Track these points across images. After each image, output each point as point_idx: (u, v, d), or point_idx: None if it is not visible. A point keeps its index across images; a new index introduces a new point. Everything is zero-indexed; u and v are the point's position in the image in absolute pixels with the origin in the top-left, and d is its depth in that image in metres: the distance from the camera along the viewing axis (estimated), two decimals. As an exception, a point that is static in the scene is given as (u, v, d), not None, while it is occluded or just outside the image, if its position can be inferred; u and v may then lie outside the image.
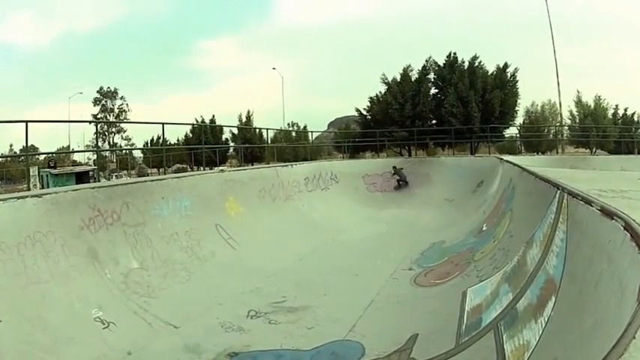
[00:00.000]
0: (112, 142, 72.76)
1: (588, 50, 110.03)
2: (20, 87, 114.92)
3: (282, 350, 7.43)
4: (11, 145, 75.97)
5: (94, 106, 76.73)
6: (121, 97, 78.02)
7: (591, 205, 4.50)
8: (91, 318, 7.89)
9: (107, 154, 56.83)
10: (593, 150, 37.00)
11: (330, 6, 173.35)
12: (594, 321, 3.46)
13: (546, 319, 4.46)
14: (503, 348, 5.11)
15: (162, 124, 16.97)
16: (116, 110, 77.76)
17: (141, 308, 8.79)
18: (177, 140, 57.40)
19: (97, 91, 76.95)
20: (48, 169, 30.48)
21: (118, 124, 72.42)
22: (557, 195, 5.96)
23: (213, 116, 54.46)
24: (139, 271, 10.01)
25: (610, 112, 41.42)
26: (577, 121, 41.15)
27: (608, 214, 4.03)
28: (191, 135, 53.84)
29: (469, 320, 6.95)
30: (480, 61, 33.21)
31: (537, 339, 4.43)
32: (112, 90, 77.78)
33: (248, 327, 8.45)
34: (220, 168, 23.54)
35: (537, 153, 37.76)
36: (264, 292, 10.46)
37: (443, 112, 31.83)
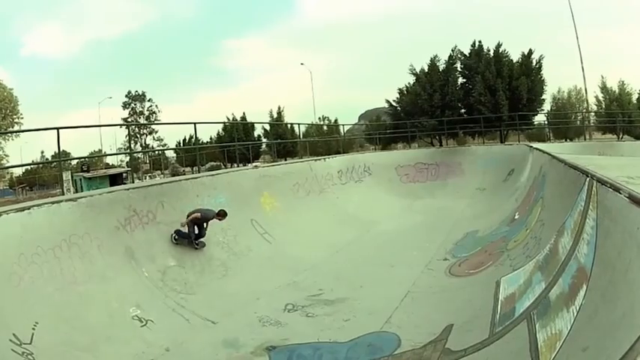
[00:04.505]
0: (144, 144, 73.67)
1: (611, 34, 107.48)
2: (51, 94, 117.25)
3: (319, 343, 7.58)
4: (42, 152, 77.72)
5: (124, 109, 77.92)
6: (149, 100, 79.06)
7: (620, 192, 4.50)
8: (129, 316, 8.16)
9: (140, 155, 57.60)
10: (620, 136, 36.33)
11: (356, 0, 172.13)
12: (624, 310, 3.48)
13: (578, 308, 4.48)
14: (536, 337, 5.14)
15: (194, 123, 17.18)
16: (146, 112, 78.73)
17: (179, 305, 9.03)
18: (210, 139, 57.78)
19: (126, 95, 78.14)
20: (81, 173, 30.96)
21: (149, 126, 73.31)
22: (587, 182, 5.95)
23: (244, 113, 54.78)
24: (176, 269, 10.27)
25: (634, 96, 40.52)
26: (603, 106, 40.42)
27: (636, 201, 4.03)
28: (223, 133, 54.06)
29: (503, 310, 6.98)
30: (505, 49, 32.83)
31: (569, 328, 4.45)
32: (140, 93, 78.88)
33: (286, 320, 8.63)
34: (254, 164, 23.77)
35: (565, 140, 37.09)
36: (300, 285, 10.65)
37: (471, 100, 31.46)
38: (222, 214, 11.67)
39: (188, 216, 11.25)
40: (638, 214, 3.89)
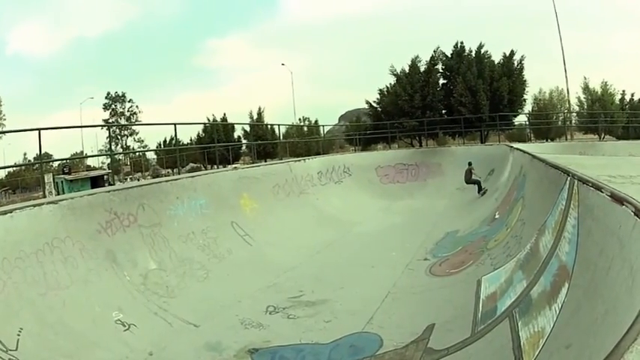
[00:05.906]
0: (125, 145, 73.15)
1: (593, 36, 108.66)
2: (32, 95, 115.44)
3: (301, 345, 7.53)
4: (25, 154, 76.68)
5: (105, 110, 77.21)
6: (129, 100, 78.48)
7: (601, 191, 4.52)
8: (111, 321, 8.00)
9: (121, 157, 57.22)
10: (602, 136, 36.83)
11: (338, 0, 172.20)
12: (607, 307, 3.48)
13: (560, 306, 4.49)
14: (519, 335, 5.15)
15: (175, 124, 17.05)
16: (127, 113, 78.18)
17: (161, 309, 8.90)
18: (190, 140, 57.65)
19: (106, 97, 77.47)
20: (63, 176, 30.58)
21: (129, 127, 72.84)
22: (568, 181, 6.00)
23: (224, 114, 54.53)
24: (158, 272, 10.11)
25: (617, 97, 41.08)
26: (585, 107, 40.94)
27: (618, 199, 4.05)
28: (203, 134, 53.80)
29: (484, 308, 7.01)
30: (486, 50, 33.10)
31: (552, 326, 4.45)
32: (120, 94, 78.27)
33: (267, 323, 8.56)
34: (234, 165, 23.65)
35: (546, 140, 37.54)
36: (281, 287, 10.57)
37: (452, 101, 31.73)
38: (470, 164, 20.86)
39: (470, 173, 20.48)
40: (620, 212, 3.90)
